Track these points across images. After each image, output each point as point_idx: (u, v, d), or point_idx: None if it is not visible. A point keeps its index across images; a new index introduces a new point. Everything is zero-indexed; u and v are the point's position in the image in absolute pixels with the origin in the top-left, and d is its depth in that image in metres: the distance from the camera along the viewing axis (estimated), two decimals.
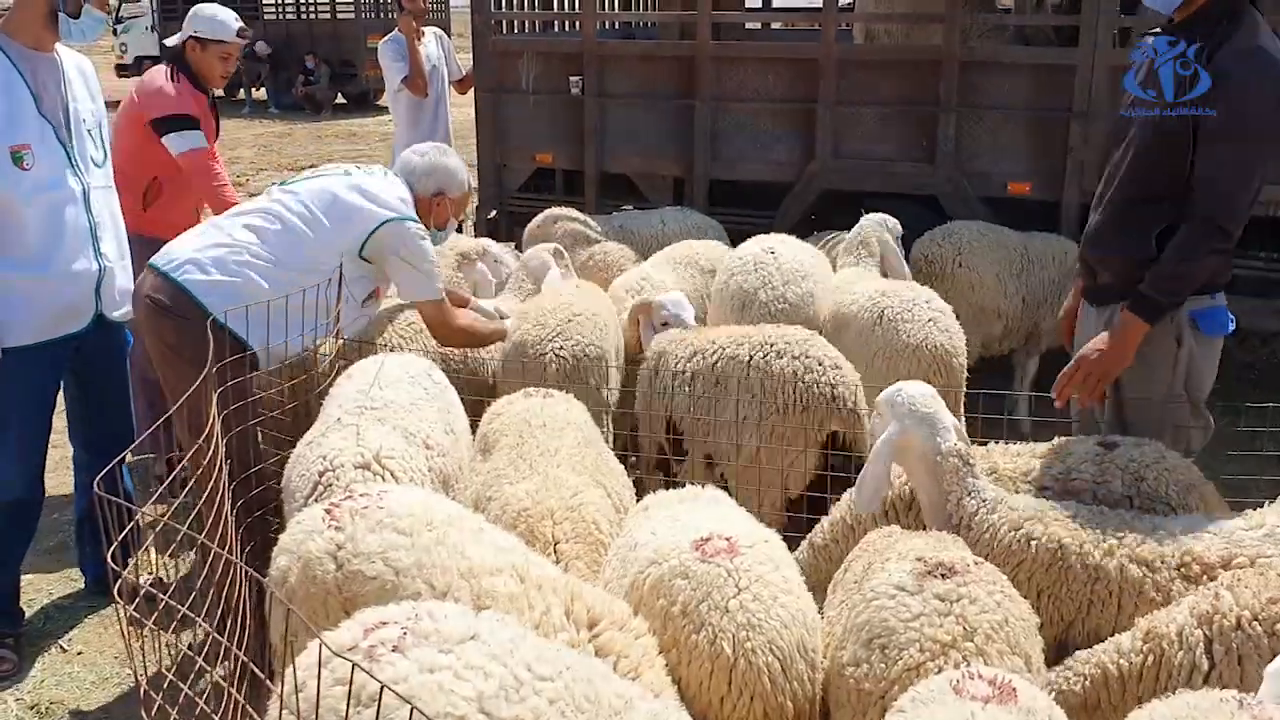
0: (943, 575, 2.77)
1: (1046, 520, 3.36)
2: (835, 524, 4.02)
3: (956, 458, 3.48)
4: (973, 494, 3.45)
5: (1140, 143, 4.07)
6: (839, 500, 4.08)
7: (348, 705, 2.03)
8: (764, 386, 4.49)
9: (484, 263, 6.13)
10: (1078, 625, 3.24)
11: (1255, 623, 2.82)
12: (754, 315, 5.47)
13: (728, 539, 2.95)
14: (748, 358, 4.62)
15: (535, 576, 2.86)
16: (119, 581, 2.64)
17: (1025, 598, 3.09)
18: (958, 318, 6.71)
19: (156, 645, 2.53)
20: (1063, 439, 3.95)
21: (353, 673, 2.01)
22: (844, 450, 4.49)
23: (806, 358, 4.52)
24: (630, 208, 8.56)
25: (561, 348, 4.88)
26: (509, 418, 4.08)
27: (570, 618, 2.74)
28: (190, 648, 2.73)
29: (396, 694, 1.98)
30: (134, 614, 2.57)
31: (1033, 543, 3.32)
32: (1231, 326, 4.07)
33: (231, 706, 2.28)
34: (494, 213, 8.92)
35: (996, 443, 4.04)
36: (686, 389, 4.80)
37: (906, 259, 6.82)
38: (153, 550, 3.95)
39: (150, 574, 3.54)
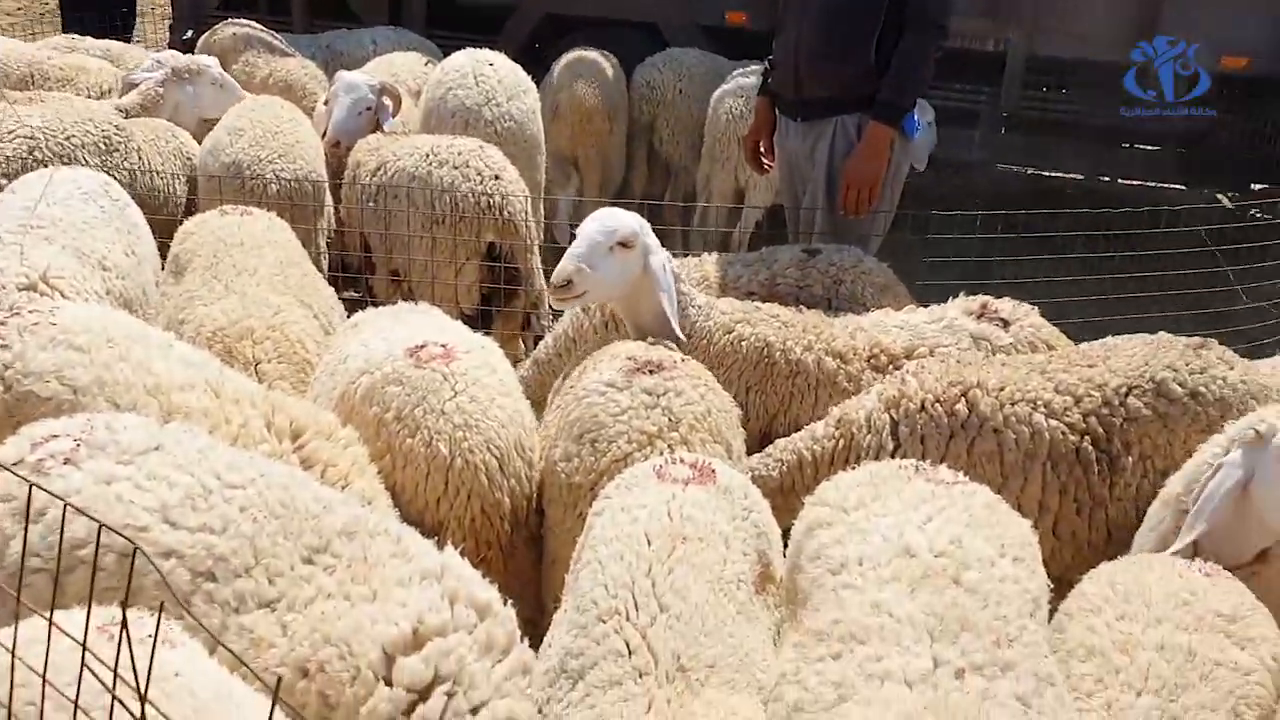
0: (651, 371, 2.82)
1: (754, 321, 3.49)
2: (559, 338, 4.03)
3: (674, 265, 3.52)
4: (693, 304, 3.51)
5: None
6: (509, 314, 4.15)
7: (26, 523, 1.84)
8: (425, 197, 4.46)
9: (196, 84, 5.44)
10: (780, 418, 3.41)
11: (937, 404, 3.05)
12: (480, 134, 5.27)
13: (443, 345, 2.89)
14: (414, 169, 4.56)
15: (231, 391, 2.69)
16: None
17: (735, 396, 3.22)
18: (678, 145, 6.90)
19: None
20: (769, 247, 4.11)
21: (30, 492, 1.82)
22: (506, 263, 4.52)
23: (467, 167, 4.50)
24: (344, 28, 8.01)
25: (284, 170, 4.62)
26: (202, 237, 3.78)
27: (271, 430, 2.61)
28: None
29: (74, 507, 1.80)
30: None
31: (743, 343, 3.44)
32: (919, 131, 4.38)
33: None
34: (190, 32, 8.12)
35: (709, 253, 4.14)
36: (372, 203, 4.70)
37: (628, 86, 6.81)
38: None
39: None
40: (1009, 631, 1.88)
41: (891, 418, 3.06)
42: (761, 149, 4.73)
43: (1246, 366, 3.10)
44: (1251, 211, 6.45)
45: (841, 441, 3.09)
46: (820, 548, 2.15)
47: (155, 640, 1.28)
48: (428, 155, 4.57)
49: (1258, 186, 7.23)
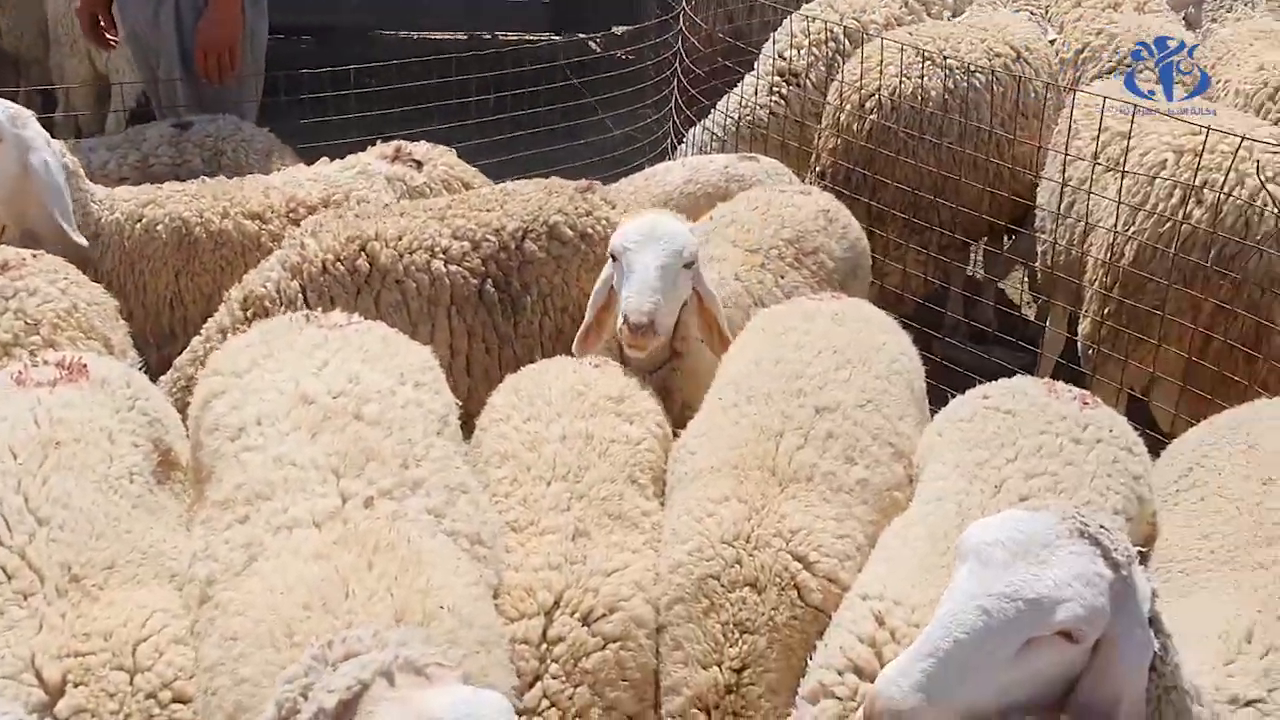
0: None
1: (161, 201, 3.20)
2: None
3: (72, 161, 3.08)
4: (93, 200, 3.11)
5: None
6: None
7: None
8: None
9: None
10: (216, 297, 3.11)
11: (338, 263, 2.97)
12: None
13: None
14: None
15: None
16: None
17: (167, 285, 3.10)
18: (21, 37, 6.00)
19: None
20: (135, 126, 3.75)
21: None
22: None
23: None
24: None
25: None
26: None
27: None
28: None
29: None
30: None
31: (158, 226, 3.15)
32: None
33: None
34: None
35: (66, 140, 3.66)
36: None
37: None
38: None
39: None
40: (416, 452, 1.91)
41: (300, 285, 2.95)
42: (102, 23, 4.19)
43: (626, 204, 3.33)
44: (615, 52, 7.00)
45: (253, 310, 2.92)
46: (218, 418, 2.03)
47: None
48: None
49: (620, 30, 7.83)
